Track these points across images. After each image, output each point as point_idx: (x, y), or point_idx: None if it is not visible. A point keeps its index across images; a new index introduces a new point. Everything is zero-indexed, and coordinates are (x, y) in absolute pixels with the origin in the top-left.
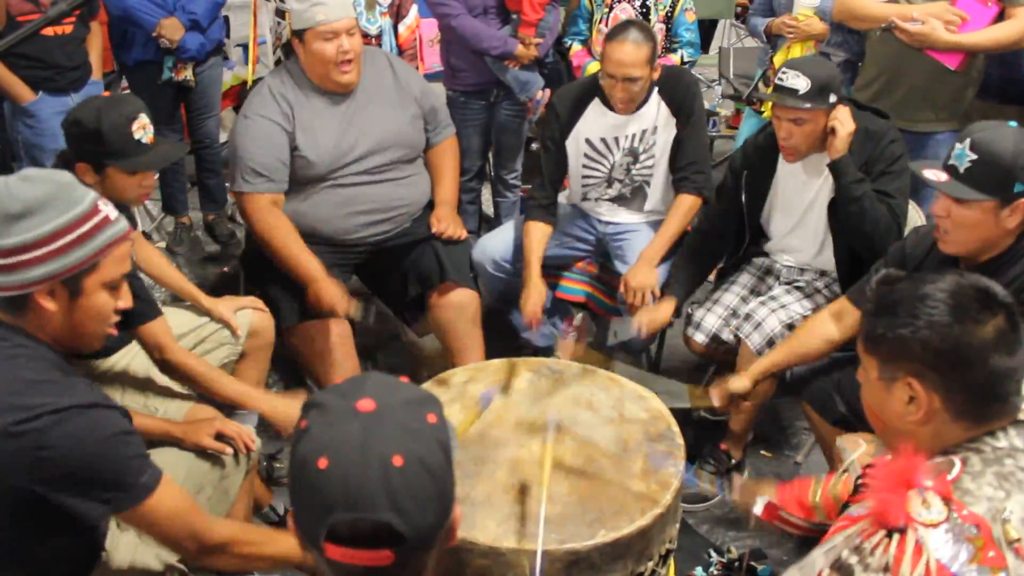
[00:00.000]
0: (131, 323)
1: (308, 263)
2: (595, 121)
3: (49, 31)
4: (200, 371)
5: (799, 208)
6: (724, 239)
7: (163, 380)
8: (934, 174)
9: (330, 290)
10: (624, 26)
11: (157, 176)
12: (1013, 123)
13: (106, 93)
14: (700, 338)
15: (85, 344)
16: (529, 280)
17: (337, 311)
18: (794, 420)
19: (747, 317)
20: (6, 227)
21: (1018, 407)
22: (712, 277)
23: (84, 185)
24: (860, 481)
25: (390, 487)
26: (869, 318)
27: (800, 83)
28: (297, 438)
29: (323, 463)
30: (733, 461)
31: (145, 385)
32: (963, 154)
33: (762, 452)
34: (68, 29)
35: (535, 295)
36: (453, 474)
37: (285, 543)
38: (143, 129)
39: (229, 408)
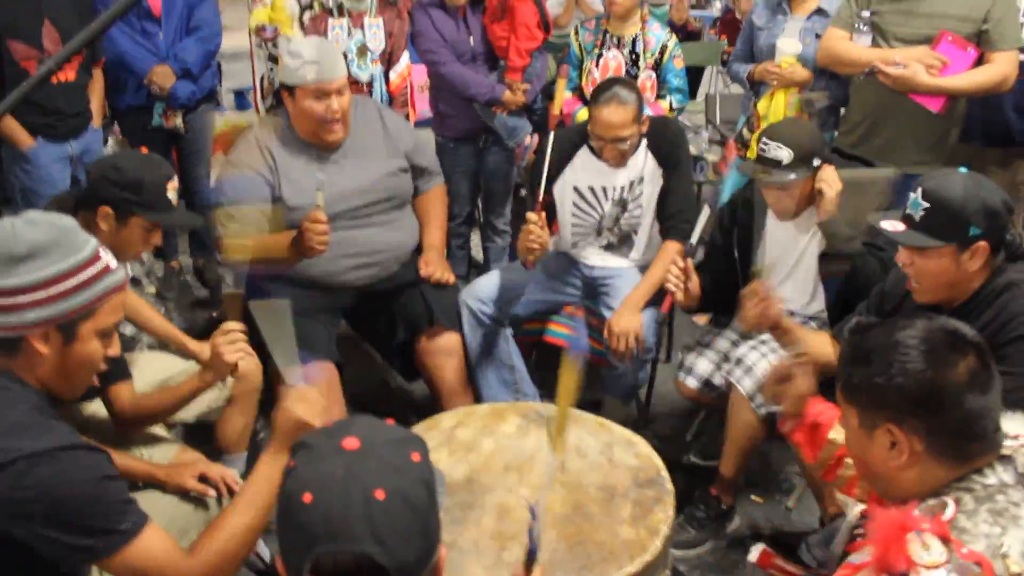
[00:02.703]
0: (103, 381)
1: (280, 239)
2: (584, 169)
3: (53, 79)
4: (156, 401)
5: (790, 260)
6: (717, 296)
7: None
8: (891, 225)
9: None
10: (608, 85)
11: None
12: (963, 168)
13: (144, 151)
14: (692, 383)
15: (71, 390)
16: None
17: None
18: (784, 465)
19: (738, 361)
20: (8, 268)
21: (999, 443)
22: (704, 322)
23: (92, 230)
24: (857, 532)
25: (372, 520)
26: (845, 367)
27: (783, 154)
28: (284, 477)
29: (307, 498)
30: (724, 506)
31: None
32: (917, 203)
33: (753, 497)
34: (71, 76)
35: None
36: (438, 513)
37: (243, 516)
38: (173, 191)
39: (217, 453)
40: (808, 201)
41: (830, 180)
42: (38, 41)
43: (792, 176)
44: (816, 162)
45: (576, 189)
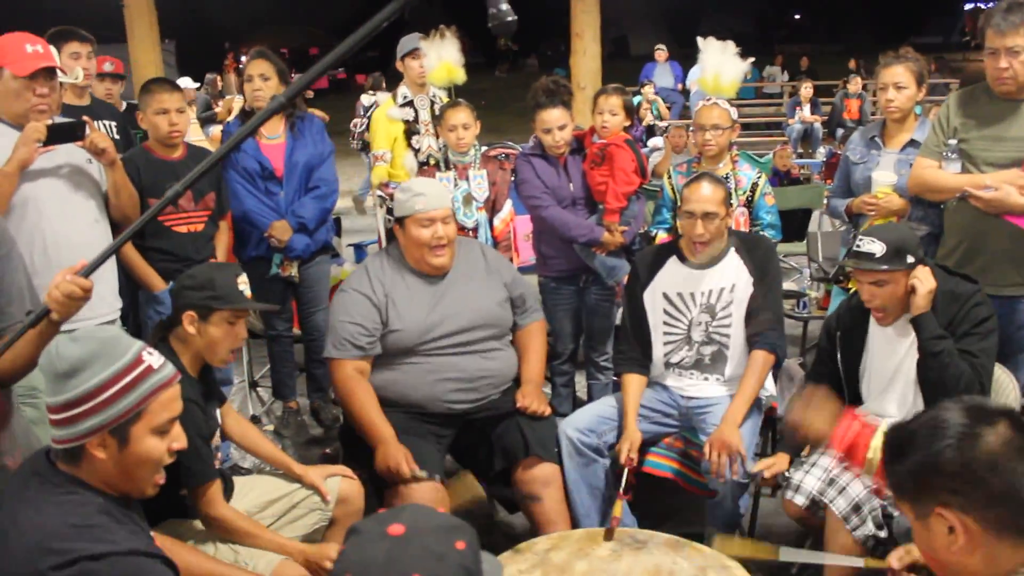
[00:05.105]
0: (186, 483)
1: (380, 427)
2: (672, 275)
3: (183, 229)
4: (240, 526)
5: (889, 371)
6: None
7: None
8: None
9: (395, 454)
10: (699, 175)
11: (245, 339)
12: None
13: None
14: (800, 500)
15: (137, 489)
16: (627, 428)
17: (402, 472)
18: None
19: (831, 482)
20: (58, 385)
21: None
22: (807, 452)
23: (186, 339)
24: None
25: None
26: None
27: (876, 247)
28: (336, 561)
29: None
30: None
31: None
32: None
33: None
34: (199, 227)
35: (631, 439)
36: None
37: None
38: (245, 284)
39: None
40: (904, 306)
41: (923, 277)
42: (175, 200)
43: (884, 267)
44: (910, 259)
45: (665, 295)
